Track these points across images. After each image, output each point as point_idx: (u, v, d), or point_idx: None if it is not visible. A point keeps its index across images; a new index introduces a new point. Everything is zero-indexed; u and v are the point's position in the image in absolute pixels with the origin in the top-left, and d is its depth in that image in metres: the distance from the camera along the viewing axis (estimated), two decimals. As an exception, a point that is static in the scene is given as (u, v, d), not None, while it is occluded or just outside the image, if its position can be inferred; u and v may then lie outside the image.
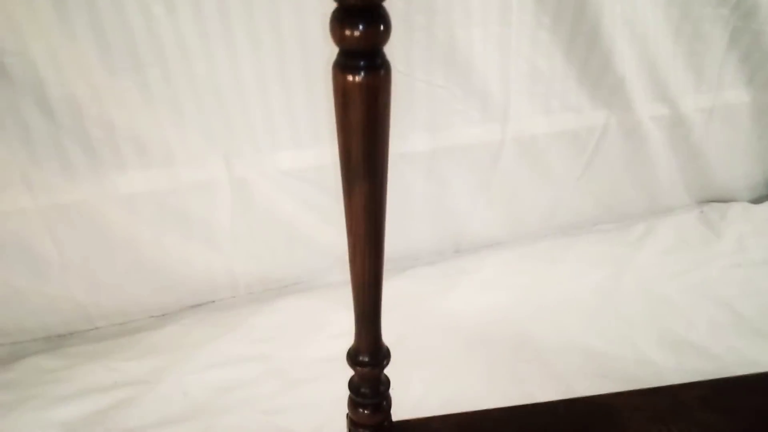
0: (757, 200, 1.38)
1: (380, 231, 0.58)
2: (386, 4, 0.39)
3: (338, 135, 0.46)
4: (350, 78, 0.40)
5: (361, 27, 0.38)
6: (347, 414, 0.70)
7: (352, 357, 0.65)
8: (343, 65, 0.40)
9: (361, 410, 0.67)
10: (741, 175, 1.31)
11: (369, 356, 0.64)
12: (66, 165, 0.81)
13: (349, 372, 0.67)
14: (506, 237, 1.25)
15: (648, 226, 1.29)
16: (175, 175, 0.86)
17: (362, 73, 0.40)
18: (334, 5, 0.38)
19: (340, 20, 0.38)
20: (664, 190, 1.26)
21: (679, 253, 1.22)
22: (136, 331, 1.03)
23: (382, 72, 0.41)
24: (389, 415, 0.70)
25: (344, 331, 1.03)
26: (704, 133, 1.16)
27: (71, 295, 0.95)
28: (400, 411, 0.73)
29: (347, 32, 0.38)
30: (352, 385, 0.67)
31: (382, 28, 0.39)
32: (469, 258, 1.22)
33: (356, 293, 0.62)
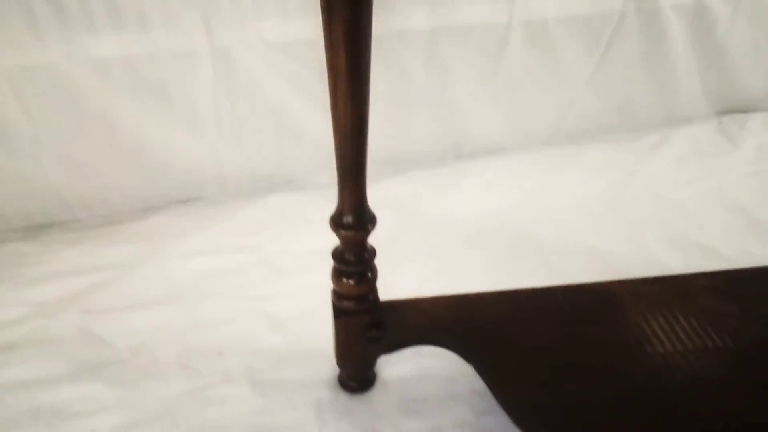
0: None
1: (364, 67, 0.52)
2: None
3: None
4: None
5: None
6: (332, 288, 0.65)
7: (335, 220, 0.60)
8: None
9: (345, 280, 0.63)
10: (765, 83, 1.23)
11: (353, 217, 0.59)
12: (32, 23, 0.74)
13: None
14: (511, 143, 1.19)
15: (663, 135, 1.22)
16: (151, 41, 0.80)
17: None
18: None
19: None
20: (681, 96, 1.19)
21: (694, 161, 1.15)
22: (119, 222, 0.99)
23: None
24: (374, 288, 0.66)
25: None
26: (729, 28, 1.08)
27: (48, 180, 0.91)
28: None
29: None
30: (336, 253, 0.63)
31: None
32: (472, 163, 1.17)
33: (338, 146, 0.56)
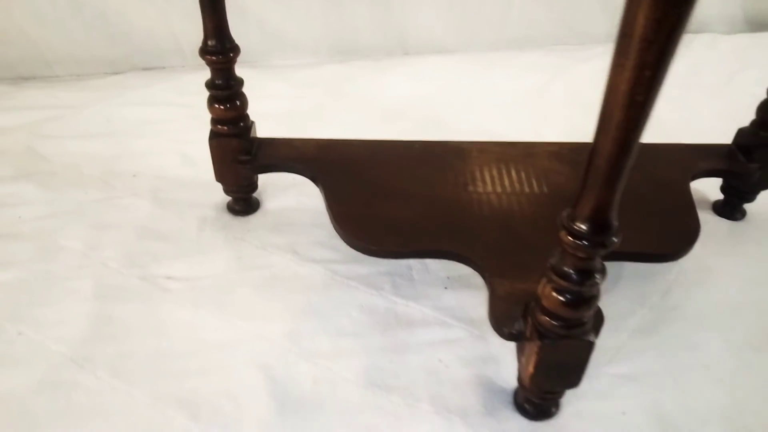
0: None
1: None
2: None
3: None
4: None
5: None
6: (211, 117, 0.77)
7: (202, 48, 0.71)
8: None
9: (216, 105, 0.75)
10: (717, 6, 1.25)
11: (216, 41, 0.70)
12: None
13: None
14: (456, 45, 1.26)
15: (609, 49, 1.26)
16: None
17: None
18: None
19: None
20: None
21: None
22: (86, 79, 1.13)
23: None
24: (245, 117, 0.77)
25: (277, 94, 1.11)
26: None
27: (25, 32, 1.06)
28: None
29: None
30: (208, 81, 0.74)
31: None
32: (415, 58, 1.25)
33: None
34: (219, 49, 0.70)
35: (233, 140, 0.77)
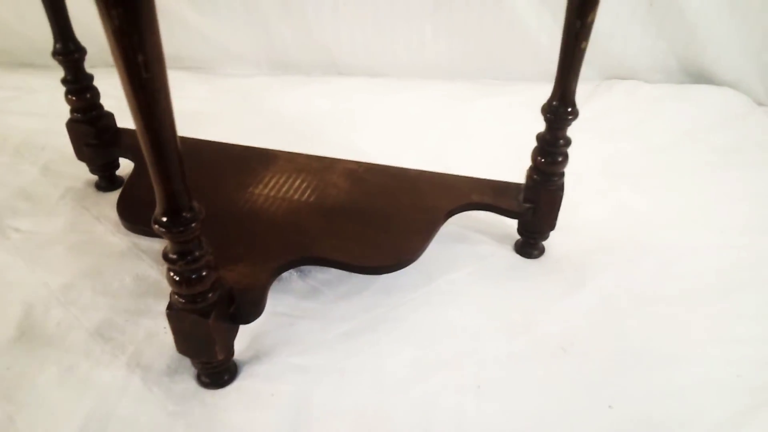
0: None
1: None
2: None
3: None
4: None
5: None
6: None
7: (53, 51, 0.88)
8: None
9: (69, 96, 0.92)
10: (642, 52, 1.24)
11: (62, 45, 0.87)
12: None
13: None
14: (383, 68, 1.36)
15: (527, 87, 1.30)
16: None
17: None
18: None
19: None
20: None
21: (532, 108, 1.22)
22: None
23: None
24: (97, 107, 0.93)
25: (193, 96, 1.27)
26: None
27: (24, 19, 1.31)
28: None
29: None
30: (62, 78, 0.91)
31: None
32: (342, 78, 1.36)
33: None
34: (65, 50, 0.87)
35: (83, 126, 0.94)
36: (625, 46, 1.24)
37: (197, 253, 0.58)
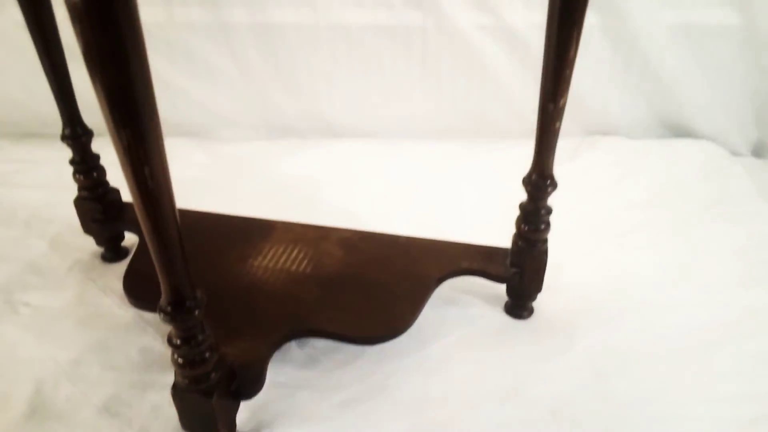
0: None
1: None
2: None
3: None
4: None
5: None
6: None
7: (61, 135, 0.93)
8: None
9: (77, 176, 0.97)
10: (622, 109, 1.30)
11: (70, 130, 0.92)
12: None
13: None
14: (375, 130, 1.41)
15: (513, 143, 1.35)
16: None
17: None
18: None
19: None
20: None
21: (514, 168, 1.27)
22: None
23: None
24: (103, 184, 0.98)
25: (193, 163, 1.31)
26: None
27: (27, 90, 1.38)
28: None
29: None
30: (70, 159, 0.96)
31: None
32: (338, 140, 1.42)
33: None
34: (73, 135, 0.93)
35: (90, 203, 0.98)
36: (606, 104, 1.30)
37: (200, 338, 0.62)
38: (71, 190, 1.21)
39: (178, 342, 0.62)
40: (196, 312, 0.60)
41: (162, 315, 0.60)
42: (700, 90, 1.26)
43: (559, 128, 0.75)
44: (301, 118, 1.41)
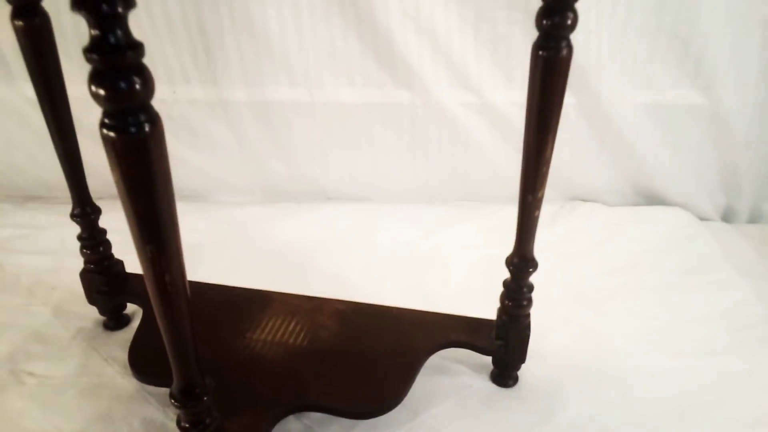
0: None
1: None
2: None
3: None
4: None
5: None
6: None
7: (71, 213, 0.98)
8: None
9: (84, 250, 1.01)
10: (599, 178, 1.38)
11: (80, 209, 0.97)
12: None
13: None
14: (368, 194, 1.48)
15: (497, 209, 1.42)
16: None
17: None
18: None
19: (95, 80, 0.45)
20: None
21: (496, 232, 1.34)
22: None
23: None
24: (108, 258, 1.03)
25: (191, 229, 1.36)
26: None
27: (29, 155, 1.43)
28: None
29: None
30: (78, 234, 1.01)
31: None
32: (331, 203, 1.48)
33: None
34: (82, 214, 0.98)
35: (96, 276, 1.03)
36: (584, 174, 1.38)
37: (208, 421, 0.67)
38: (73, 255, 1.25)
39: (187, 426, 0.67)
40: (205, 398, 0.65)
41: (173, 401, 0.65)
42: (670, 161, 1.34)
43: (538, 216, 0.81)
44: (295, 183, 1.47)
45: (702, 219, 1.40)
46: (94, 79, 0.46)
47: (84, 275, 1.04)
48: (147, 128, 0.48)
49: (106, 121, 0.48)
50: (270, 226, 1.40)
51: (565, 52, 0.69)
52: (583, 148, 1.33)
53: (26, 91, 1.30)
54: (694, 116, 1.28)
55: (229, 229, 1.38)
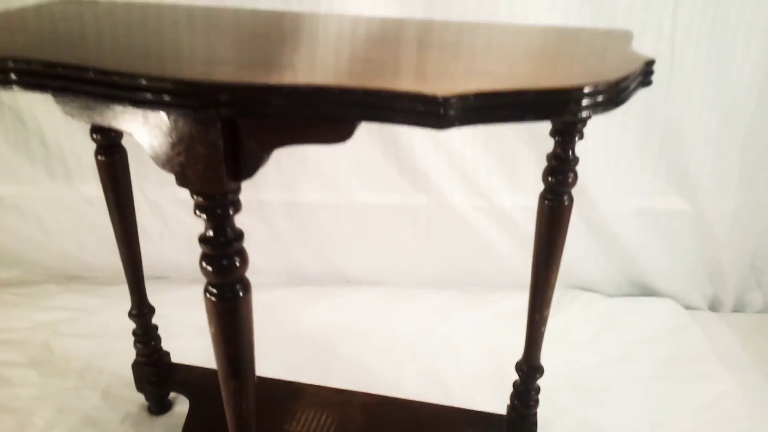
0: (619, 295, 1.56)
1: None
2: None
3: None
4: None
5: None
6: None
7: (129, 313, 1.11)
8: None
9: (138, 345, 1.14)
10: (597, 271, 1.52)
11: (137, 311, 1.10)
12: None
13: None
14: (387, 278, 1.61)
15: (504, 295, 1.55)
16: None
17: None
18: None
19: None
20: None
21: (504, 320, 1.47)
22: (111, 285, 1.60)
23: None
24: (158, 350, 1.15)
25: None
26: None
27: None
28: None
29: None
30: (133, 331, 1.13)
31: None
32: (351, 287, 1.61)
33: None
34: (140, 314, 1.10)
35: (146, 367, 1.15)
36: (583, 268, 1.52)
37: None
38: (117, 339, 1.38)
39: None
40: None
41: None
42: (661, 258, 1.48)
43: (544, 332, 0.94)
44: (319, 268, 1.60)
45: (691, 308, 1.53)
46: (205, 259, 0.60)
47: (135, 366, 1.16)
48: (241, 294, 0.62)
49: (211, 288, 0.62)
50: (295, 312, 1.51)
51: (567, 203, 0.83)
52: (582, 245, 1.47)
53: (83, 191, 1.45)
54: (680, 220, 1.43)
55: (257, 314, 1.50)
